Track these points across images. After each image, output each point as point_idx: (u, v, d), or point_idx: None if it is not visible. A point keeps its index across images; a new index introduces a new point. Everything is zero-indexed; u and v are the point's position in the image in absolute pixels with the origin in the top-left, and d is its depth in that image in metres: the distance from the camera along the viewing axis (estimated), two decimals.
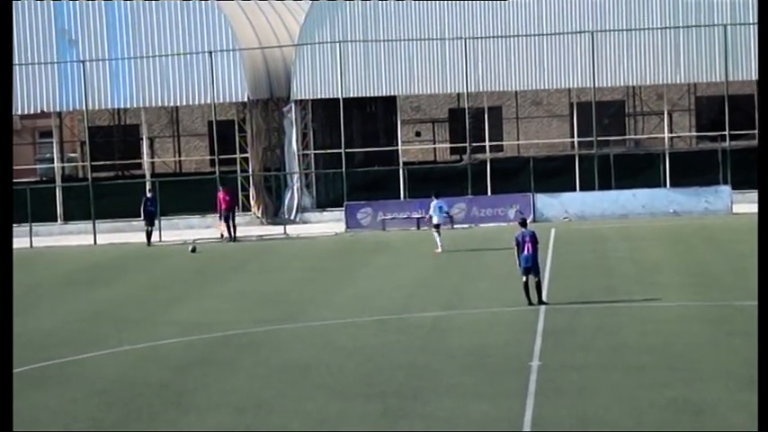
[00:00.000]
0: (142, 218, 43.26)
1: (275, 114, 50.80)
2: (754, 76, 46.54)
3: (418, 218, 43.24)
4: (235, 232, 43.25)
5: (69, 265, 38.79)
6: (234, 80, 46.79)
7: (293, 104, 47.71)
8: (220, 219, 43.92)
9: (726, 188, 44.33)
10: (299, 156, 47.91)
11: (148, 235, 42.93)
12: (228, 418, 17.77)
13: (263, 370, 21.00)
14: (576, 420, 16.64)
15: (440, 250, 36.12)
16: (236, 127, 48.31)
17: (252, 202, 47.66)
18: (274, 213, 48.10)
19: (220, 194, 43.95)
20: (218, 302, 29.18)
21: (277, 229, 45.29)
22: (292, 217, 47.30)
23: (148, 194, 43.96)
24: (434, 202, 37.36)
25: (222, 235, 43.59)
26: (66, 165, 58.15)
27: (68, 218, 48.46)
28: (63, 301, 30.49)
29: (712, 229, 39.26)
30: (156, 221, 43.65)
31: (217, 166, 48.47)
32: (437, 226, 36.85)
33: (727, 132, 46.55)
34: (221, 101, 47.63)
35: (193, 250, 40.10)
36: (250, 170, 47.70)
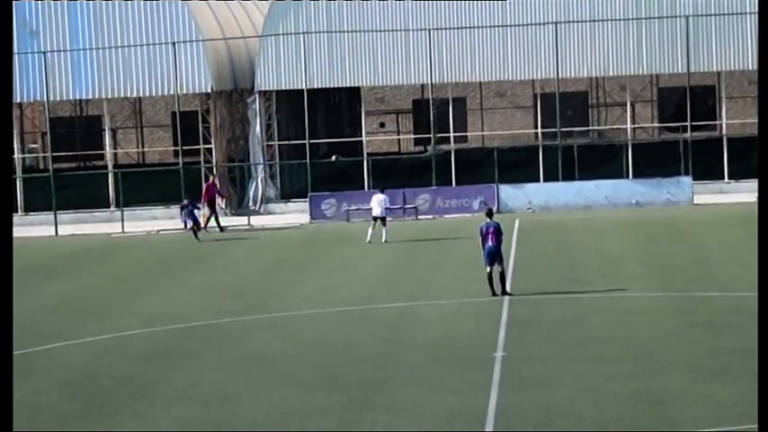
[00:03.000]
0: (189, 221, 40.81)
1: (239, 105, 50.63)
2: (716, 67, 46.88)
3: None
4: (206, 223, 42.39)
5: (31, 257, 38.49)
6: (197, 71, 46.56)
7: (257, 95, 47.57)
8: (202, 208, 43.20)
9: (687, 179, 44.60)
10: (263, 147, 47.79)
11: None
12: (193, 410, 17.72)
13: (228, 362, 20.96)
14: (540, 411, 16.71)
15: (368, 240, 36.43)
16: (200, 118, 48.11)
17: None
18: (238, 204, 47.98)
19: (209, 183, 43.82)
20: (181, 294, 29.08)
21: (241, 220, 45.18)
22: (256, 208, 47.18)
23: (185, 201, 41.24)
24: (376, 196, 37.61)
25: (197, 226, 42.85)
26: (26, 156, 57.74)
27: (29, 209, 48.11)
28: (25, 293, 30.27)
29: (674, 221, 39.49)
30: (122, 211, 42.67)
31: (180, 157, 48.26)
32: (382, 219, 37.05)
33: (688, 123, 46.81)
34: (185, 92, 47.40)
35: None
36: (214, 161, 47.53)
